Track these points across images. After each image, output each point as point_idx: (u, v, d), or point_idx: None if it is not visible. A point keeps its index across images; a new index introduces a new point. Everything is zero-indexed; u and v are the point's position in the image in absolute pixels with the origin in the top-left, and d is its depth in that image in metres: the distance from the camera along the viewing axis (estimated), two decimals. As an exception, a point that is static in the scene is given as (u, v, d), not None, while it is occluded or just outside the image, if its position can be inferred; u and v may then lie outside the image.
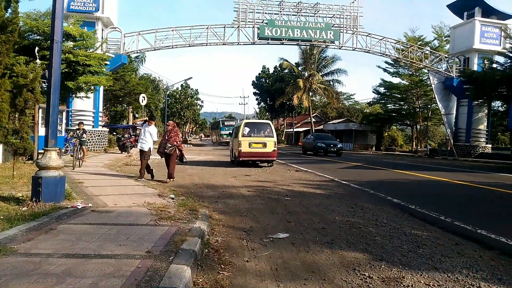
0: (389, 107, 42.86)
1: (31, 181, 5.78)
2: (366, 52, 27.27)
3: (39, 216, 4.90)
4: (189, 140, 58.17)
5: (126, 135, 22.41)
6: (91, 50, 16.33)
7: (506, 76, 23.14)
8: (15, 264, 3.15)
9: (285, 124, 65.09)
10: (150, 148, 9.82)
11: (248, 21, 25.63)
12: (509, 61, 24.68)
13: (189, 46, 25.29)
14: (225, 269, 3.50)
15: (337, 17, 26.73)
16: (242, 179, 10.72)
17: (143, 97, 27.64)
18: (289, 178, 11.21)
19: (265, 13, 26.01)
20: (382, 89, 41.28)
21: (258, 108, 69.08)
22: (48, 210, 5.28)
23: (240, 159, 14.18)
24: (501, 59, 26.27)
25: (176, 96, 62.27)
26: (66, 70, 14.42)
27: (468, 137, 28.24)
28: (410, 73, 37.12)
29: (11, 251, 3.46)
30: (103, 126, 25.03)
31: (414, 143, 42.81)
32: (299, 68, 49.04)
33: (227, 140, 38.07)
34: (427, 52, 29.85)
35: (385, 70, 39.00)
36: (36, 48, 12.83)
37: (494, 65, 26.38)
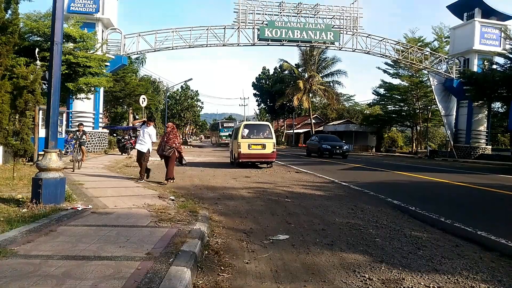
0: (389, 108, 42.88)
1: (31, 183, 5.78)
2: (366, 53, 27.30)
3: (39, 217, 4.90)
4: (189, 142, 58.25)
5: (126, 137, 22.43)
6: (91, 52, 16.37)
7: (506, 77, 23.18)
8: (15, 266, 3.15)
9: (285, 126, 65.10)
10: (149, 149, 9.74)
11: (248, 22, 25.67)
12: (509, 62, 24.72)
13: (189, 47, 25.35)
14: (225, 271, 3.50)
15: (337, 18, 26.76)
16: (242, 180, 10.72)
17: (143, 98, 27.65)
18: (289, 179, 11.21)
19: (265, 14, 26.04)
20: (382, 90, 41.31)
21: (258, 109, 69.12)
22: (48, 211, 5.28)
23: (240, 160, 14.22)
24: (501, 60, 26.31)
25: (176, 97, 62.32)
26: (67, 71, 14.45)
27: (468, 138, 28.24)
28: (410, 74, 37.15)
29: (11, 253, 3.46)
30: (103, 127, 25.06)
31: (414, 144, 42.81)
32: (299, 70, 49.13)
33: (226, 142, 38.16)
34: (427, 53, 29.87)
35: (385, 71, 39.06)
36: (36, 50, 12.85)
37: (494, 66, 26.43)
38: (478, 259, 3.98)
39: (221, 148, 38.96)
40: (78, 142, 12.27)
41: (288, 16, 26.41)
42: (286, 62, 49.52)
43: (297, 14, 26.50)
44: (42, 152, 6.21)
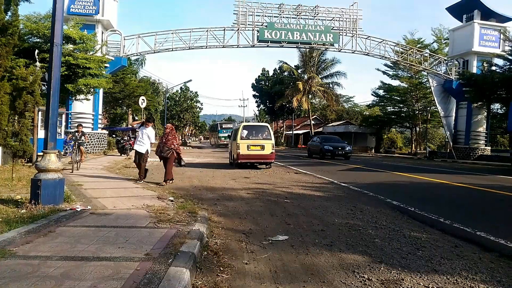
0: (389, 110, 42.90)
1: (30, 184, 5.77)
2: (366, 54, 27.32)
3: (38, 218, 4.89)
4: (189, 143, 58.30)
5: (126, 138, 22.43)
6: (91, 53, 16.38)
7: (505, 79, 23.24)
8: (14, 266, 3.15)
9: (284, 127, 65.14)
10: (147, 150, 9.73)
11: (248, 24, 25.69)
12: (508, 63, 24.80)
13: (188, 49, 25.36)
14: (224, 272, 3.49)
15: (336, 20, 26.79)
16: (241, 181, 10.71)
17: (143, 99, 27.65)
18: (289, 180, 11.21)
19: (265, 16, 26.07)
20: (381, 92, 41.34)
21: (258, 110, 69.17)
22: (47, 212, 5.27)
23: (239, 161, 14.24)
24: (500, 62, 26.39)
25: (175, 98, 62.35)
26: (66, 72, 14.45)
27: (467, 139, 28.27)
28: (410, 75, 37.19)
29: (10, 254, 3.46)
30: (102, 128, 25.05)
31: (413, 145, 42.86)
32: (299, 71, 49.19)
33: (225, 142, 38.22)
34: (426, 54, 29.91)
35: (384, 72, 39.09)
36: (36, 51, 12.85)
37: (493, 68, 26.48)
38: (478, 259, 3.98)
39: (220, 149, 38.97)
40: (77, 143, 12.27)
41: (287, 17, 26.44)
42: (286, 63, 49.62)
43: (297, 15, 26.54)
44: (41, 153, 6.21)
